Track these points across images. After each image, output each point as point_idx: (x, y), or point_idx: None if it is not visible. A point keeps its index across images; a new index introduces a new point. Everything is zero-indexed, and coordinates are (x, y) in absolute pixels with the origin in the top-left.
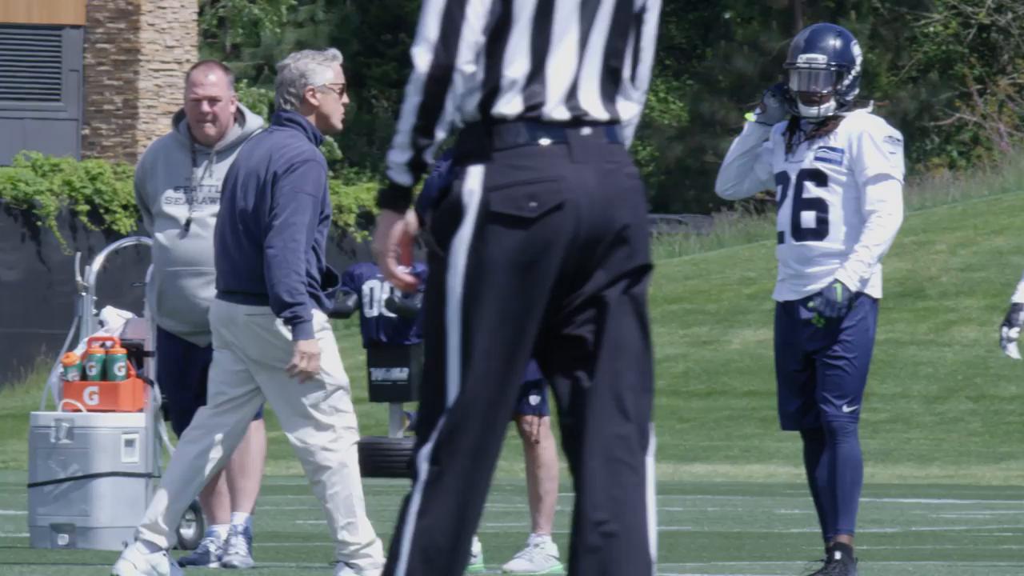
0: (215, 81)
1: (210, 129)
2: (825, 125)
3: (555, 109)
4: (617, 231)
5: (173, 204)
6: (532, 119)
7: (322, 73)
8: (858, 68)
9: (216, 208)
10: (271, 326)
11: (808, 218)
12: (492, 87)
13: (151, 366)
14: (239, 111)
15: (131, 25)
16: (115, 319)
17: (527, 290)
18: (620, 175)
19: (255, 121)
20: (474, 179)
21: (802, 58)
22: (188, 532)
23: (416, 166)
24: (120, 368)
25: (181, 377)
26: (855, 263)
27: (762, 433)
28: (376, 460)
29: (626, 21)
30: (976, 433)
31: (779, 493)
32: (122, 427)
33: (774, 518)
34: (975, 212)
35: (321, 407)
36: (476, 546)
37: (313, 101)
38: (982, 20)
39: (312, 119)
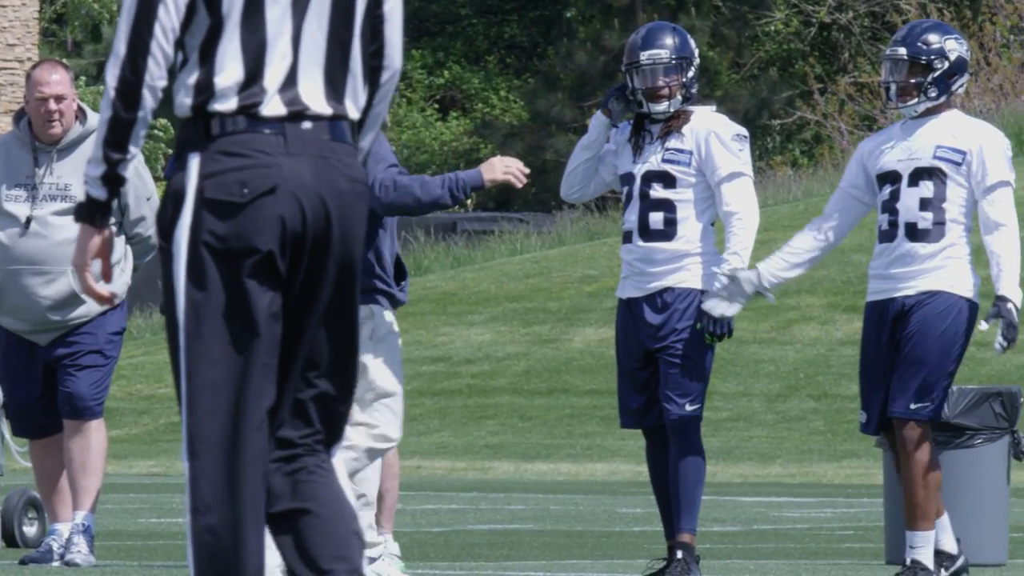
0: (59, 80)
1: (56, 128)
2: (675, 120)
3: (271, 104)
4: (325, 228)
5: (14, 202)
6: (250, 115)
7: None
8: (697, 62)
9: (57, 206)
10: None
11: (656, 219)
12: (207, 90)
13: None
14: (80, 109)
15: None
16: None
17: (246, 276)
18: (340, 175)
19: (96, 119)
20: (192, 168)
21: (644, 55)
22: (30, 530)
23: (110, 180)
24: None
25: (22, 375)
26: None
27: (604, 431)
28: None
29: (348, 12)
30: (817, 432)
31: (621, 492)
32: None
33: (616, 517)
34: (817, 210)
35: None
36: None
37: None
38: (823, 19)
39: None
